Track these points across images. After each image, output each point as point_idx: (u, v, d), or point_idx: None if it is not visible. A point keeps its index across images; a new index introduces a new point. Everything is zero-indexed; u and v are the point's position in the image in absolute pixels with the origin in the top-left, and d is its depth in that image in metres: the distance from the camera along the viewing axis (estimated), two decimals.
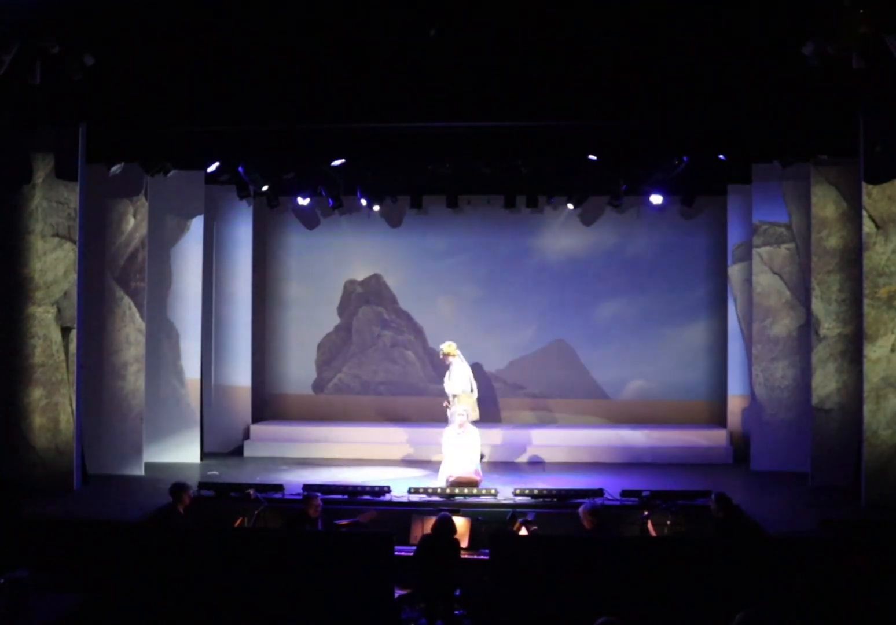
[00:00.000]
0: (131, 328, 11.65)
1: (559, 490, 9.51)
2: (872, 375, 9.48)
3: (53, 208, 10.22)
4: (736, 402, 13.05)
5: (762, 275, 12.18)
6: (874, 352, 9.49)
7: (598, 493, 9.30)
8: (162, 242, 12.48)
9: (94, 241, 11.22)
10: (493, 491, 9.61)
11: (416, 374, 14.20)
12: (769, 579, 6.33)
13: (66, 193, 10.21)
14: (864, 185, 9.55)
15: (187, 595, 6.62)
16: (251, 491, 9.12)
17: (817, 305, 10.76)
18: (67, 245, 10.20)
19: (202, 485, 9.66)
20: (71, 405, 10.13)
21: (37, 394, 10.13)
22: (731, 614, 4.45)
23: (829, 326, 10.71)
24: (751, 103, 9.31)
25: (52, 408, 10.13)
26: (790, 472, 11.34)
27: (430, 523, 8.19)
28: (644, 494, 9.17)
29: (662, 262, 13.94)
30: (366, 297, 14.37)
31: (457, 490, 9.69)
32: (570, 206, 13.37)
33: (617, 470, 11.76)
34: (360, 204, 13.41)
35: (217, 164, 11.97)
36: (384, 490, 9.55)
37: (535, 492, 9.45)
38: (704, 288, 13.88)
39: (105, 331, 11.60)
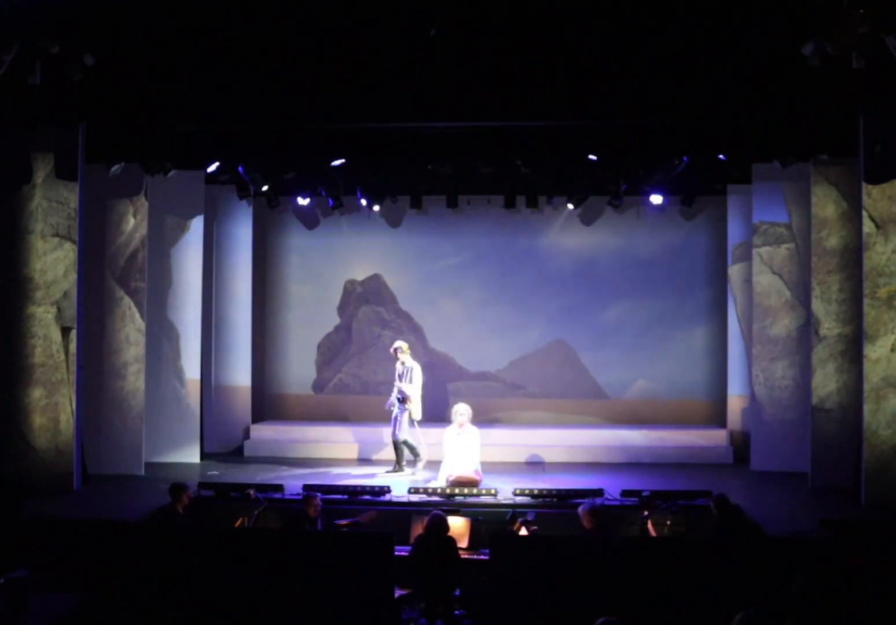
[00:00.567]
0: (131, 328, 11.65)
1: (559, 490, 9.51)
2: (872, 375, 9.49)
3: (53, 208, 10.22)
4: (736, 402, 13.04)
5: (762, 275, 12.18)
6: (874, 352, 9.49)
7: (598, 493, 9.29)
8: (162, 242, 12.48)
9: (94, 241, 11.22)
10: (493, 491, 9.61)
11: None
12: (769, 579, 6.32)
13: (66, 193, 10.21)
14: (864, 185, 9.55)
15: (187, 595, 6.62)
16: (251, 491, 9.11)
17: (817, 305, 10.76)
18: (67, 245, 10.20)
19: (202, 485, 9.65)
20: (71, 405, 10.13)
21: (37, 394, 10.14)
22: (731, 614, 4.44)
23: (829, 326, 10.71)
24: (751, 103, 9.32)
25: (52, 408, 10.13)
26: (790, 472, 11.34)
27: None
28: (644, 494, 9.17)
29: (662, 262, 13.93)
30: (366, 297, 14.37)
31: (457, 490, 9.69)
32: (570, 206, 13.37)
33: (617, 470, 11.76)
34: (360, 204, 13.40)
35: (217, 164, 11.96)
36: (384, 490, 9.55)
37: (535, 492, 9.45)
38: (704, 288, 13.87)
39: (105, 331, 11.60)
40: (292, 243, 14.41)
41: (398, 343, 11.61)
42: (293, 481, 10.22)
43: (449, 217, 13.89)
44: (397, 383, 11.30)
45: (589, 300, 14.04)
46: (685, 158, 11.38)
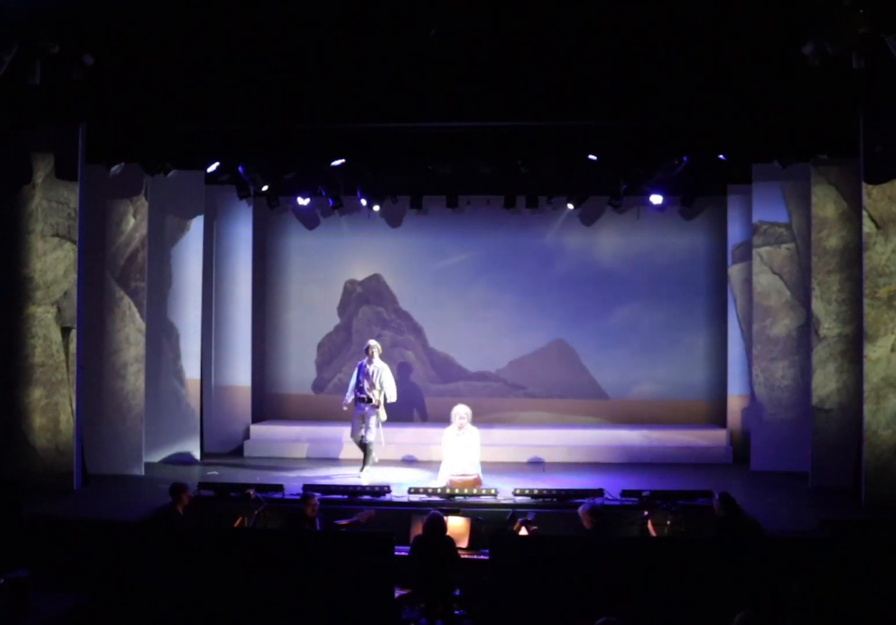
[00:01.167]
0: (131, 328, 11.65)
1: (559, 490, 9.51)
2: (872, 375, 9.49)
3: (53, 208, 10.22)
4: (736, 402, 13.05)
5: (762, 275, 12.18)
6: (874, 352, 9.50)
7: (598, 493, 9.29)
8: (162, 242, 12.48)
9: (94, 241, 11.23)
10: (493, 491, 9.61)
11: (416, 374, 14.20)
12: (769, 579, 6.33)
13: (66, 193, 10.21)
14: (864, 185, 9.56)
15: (187, 595, 6.62)
16: (251, 491, 9.11)
17: (817, 305, 10.76)
18: (67, 245, 10.20)
19: (202, 485, 9.65)
20: (71, 405, 10.13)
21: (37, 394, 10.14)
22: (731, 614, 4.45)
23: (829, 326, 10.71)
24: (751, 103, 9.31)
25: (52, 408, 10.13)
26: (790, 472, 11.34)
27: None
28: (644, 494, 9.16)
29: (662, 262, 13.94)
30: (366, 297, 14.38)
31: (457, 490, 9.69)
32: (570, 206, 13.37)
33: (617, 470, 11.76)
34: (360, 204, 13.41)
35: (217, 164, 11.97)
36: (384, 490, 9.55)
37: (535, 492, 9.45)
38: (704, 288, 13.87)
39: (105, 331, 11.60)
40: (292, 243, 14.41)
41: (373, 342, 11.36)
42: (293, 481, 10.22)
43: (449, 217, 13.89)
44: (367, 384, 11.06)
45: (589, 300, 14.04)
46: (685, 158, 11.39)
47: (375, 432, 11.10)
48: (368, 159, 11.98)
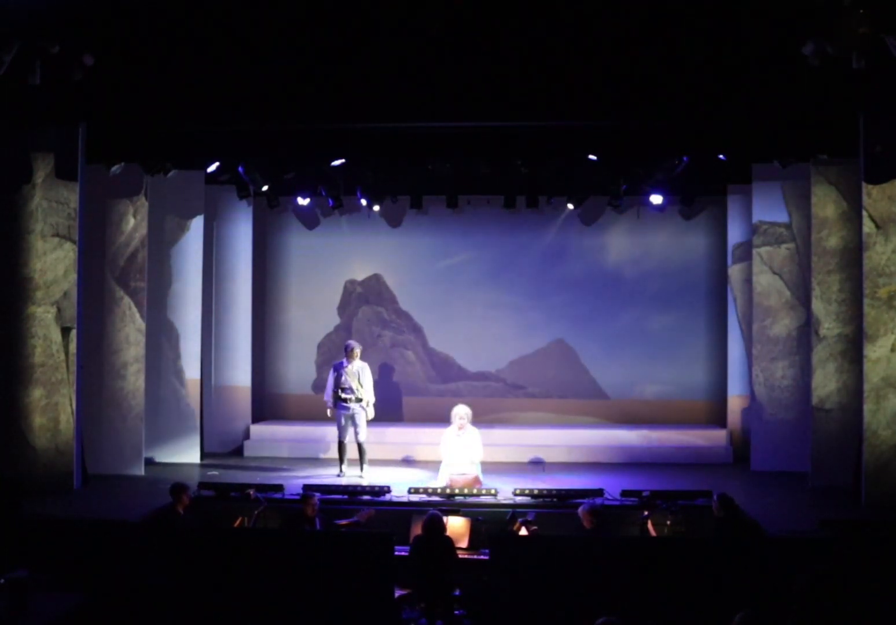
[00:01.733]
0: (131, 328, 11.64)
1: (559, 490, 9.51)
2: (872, 375, 9.49)
3: (53, 208, 10.22)
4: (736, 402, 13.05)
5: (762, 275, 12.18)
6: (874, 352, 9.50)
7: (598, 493, 9.29)
8: (162, 242, 12.48)
9: (94, 241, 11.22)
10: (493, 491, 9.61)
11: (416, 374, 14.20)
12: (769, 579, 6.33)
13: (66, 193, 10.21)
14: (864, 185, 9.56)
15: (187, 595, 6.62)
16: (251, 491, 9.11)
17: (817, 305, 10.76)
18: (67, 245, 10.20)
19: (202, 485, 9.65)
20: (71, 405, 10.13)
21: (37, 394, 10.14)
22: (731, 614, 4.45)
23: (829, 326, 10.71)
24: (751, 103, 9.31)
25: (52, 408, 10.13)
26: (790, 472, 11.34)
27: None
28: (644, 494, 9.16)
29: (662, 262, 13.94)
30: (366, 297, 14.38)
31: (457, 490, 9.69)
32: (570, 206, 13.37)
33: (617, 470, 11.76)
34: (360, 204, 13.40)
35: (217, 164, 11.97)
36: (384, 490, 9.55)
37: (535, 492, 9.45)
38: (704, 288, 13.87)
39: (105, 331, 11.60)
40: (292, 243, 14.41)
41: (354, 343, 11.35)
42: (293, 481, 10.22)
43: (449, 217, 13.88)
44: (354, 383, 11.05)
45: (589, 300, 14.03)
46: (685, 158, 11.39)
47: (366, 430, 11.13)
48: (368, 159, 11.97)
